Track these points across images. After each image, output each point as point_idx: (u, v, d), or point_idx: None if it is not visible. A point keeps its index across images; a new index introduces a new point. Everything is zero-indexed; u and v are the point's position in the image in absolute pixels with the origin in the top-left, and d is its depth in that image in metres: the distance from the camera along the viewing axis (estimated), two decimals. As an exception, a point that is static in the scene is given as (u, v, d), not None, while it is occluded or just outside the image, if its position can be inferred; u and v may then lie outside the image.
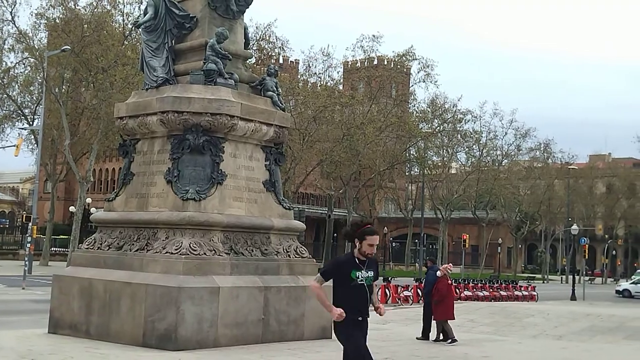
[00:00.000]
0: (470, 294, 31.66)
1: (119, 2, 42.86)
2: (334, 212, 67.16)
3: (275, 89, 14.02)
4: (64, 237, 55.76)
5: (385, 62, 60.80)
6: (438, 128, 60.44)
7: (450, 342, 14.51)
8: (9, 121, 48.48)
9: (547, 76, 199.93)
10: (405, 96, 60.31)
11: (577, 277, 48.68)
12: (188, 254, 11.85)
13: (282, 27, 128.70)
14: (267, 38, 46.42)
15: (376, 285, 7.47)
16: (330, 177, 59.81)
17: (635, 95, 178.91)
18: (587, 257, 51.44)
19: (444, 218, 66.38)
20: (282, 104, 14.06)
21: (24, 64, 46.40)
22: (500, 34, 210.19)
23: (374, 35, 54.07)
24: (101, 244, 13.24)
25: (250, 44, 18.03)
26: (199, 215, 12.24)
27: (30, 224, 36.28)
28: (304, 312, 13.15)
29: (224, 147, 12.83)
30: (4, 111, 48.15)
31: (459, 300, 29.34)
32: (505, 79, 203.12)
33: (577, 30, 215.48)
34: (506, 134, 67.50)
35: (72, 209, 55.68)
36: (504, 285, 35.94)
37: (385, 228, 77.47)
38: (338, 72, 57.25)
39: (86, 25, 41.14)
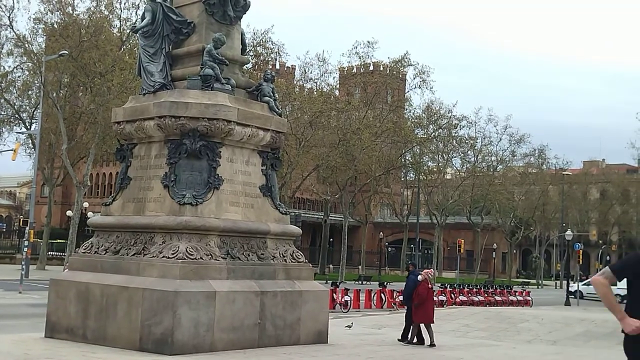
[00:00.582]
0: (465, 299, 31.75)
1: (116, 7, 43.03)
2: (330, 217, 67.19)
3: (271, 94, 14.12)
4: (61, 241, 55.70)
5: (381, 68, 61.00)
6: (433, 134, 60.66)
7: (429, 346, 14.72)
8: (6, 125, 48.49)
9: (541, 82, 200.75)
10: (400, 102, 60.49)
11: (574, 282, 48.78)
12: (185, 259, 11.91)
13: (278, 33, 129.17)
14: (264, 44, 46.59)
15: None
16: (327, 182, 59.90)
17: (630, 102, 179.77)
18: (581, 262, 51.61)
19: (439, 223, 66.54)
20: (278, 109, 14.16)
21: (22, 68, 46.49)
22: (495, 40, 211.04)
23: (368, 42, 54.33)
24: (98, 248, 13.30)
25: (247, 49, 18.14)
26: (195, 220, 12.31)
27: (27, 228, 36.28)
28: (300, 316, 13.21)
29: (220, 152, 12.91)
30: (2, 115, 48.19)
31: (454, 305, 29.49)
32: (500, 85, 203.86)
33: (572, 36, 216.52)
34: (501, 139, 67.94)
35: (69, 213, 55.60)
36: (498, 290, 36.07)
37: (381, 233, 77.58)
38: (334, 78, 57.46)
39: (84, 30, 41.20)
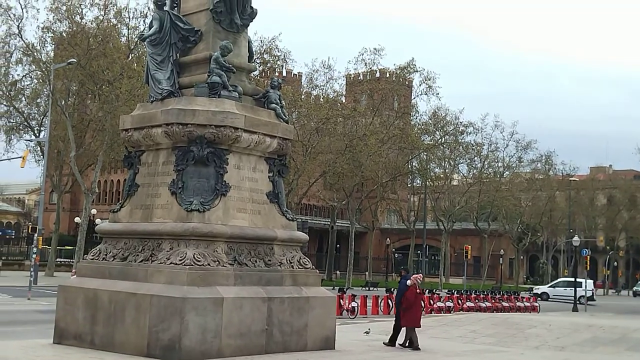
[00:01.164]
0: (472, 305, 31.69)
1: (124, 15, 43.29)
2: (336, 223, 67.26)
3: (278, 101, 14.19)
4: (69, 248, 55.92)
5: (388, 75, 61.08)
6: (440, 140, 60.69)
7: (413, 349, 14.77)
8: (15, 133, 48.71)
9: (548, 88, 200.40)
10: (407, 108, 60.59)
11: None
12: (192, 265, 11.97)
13: (285, 40, 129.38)
14: (271, 51, 46.75)
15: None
16: (333, 188, 59.96)
17: (636, 108, 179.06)
18: (588, 268, 51.39)
19: (446, 229, 66.45)
20: (285, 116, 14.22)
21: (30, 76, 46.75)
22: (501, 46, 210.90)
23: (375, 49, 54.39)
24: (106, 255, 13.38)
25: (254, 56, 18.23)
26: (203, 227, 12.37)
27: (35, 234, 36.47)
28: (307, 322, 13.24)
29: (227, 158, 12.99)
30: (11, 123, 48.42)
31: (461, 311, 29.42)
32: (507, 91, 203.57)
33: (579, 43, 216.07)
34: (507, 145, 67.79)
35: (77, 220, 55.82)
36: (506, 296, 36.00)
37: (388, 239, 77.53)
38: (340, 85, 57.60)
39: (92, 39, 41.48)
